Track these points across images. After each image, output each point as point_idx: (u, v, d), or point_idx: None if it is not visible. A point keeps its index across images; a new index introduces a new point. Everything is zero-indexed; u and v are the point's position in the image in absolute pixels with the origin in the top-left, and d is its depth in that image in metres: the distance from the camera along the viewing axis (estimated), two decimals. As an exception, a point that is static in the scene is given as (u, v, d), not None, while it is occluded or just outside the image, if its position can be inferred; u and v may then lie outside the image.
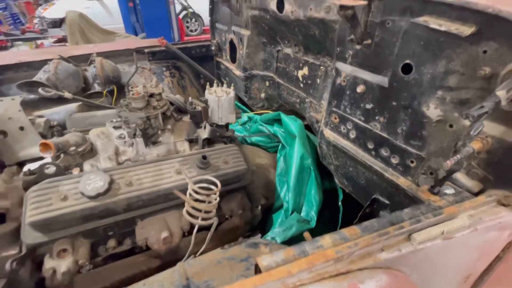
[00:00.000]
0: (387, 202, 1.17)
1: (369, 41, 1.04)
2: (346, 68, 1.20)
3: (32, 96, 1.82)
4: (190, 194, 1.00)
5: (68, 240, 1.10)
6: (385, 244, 0.63)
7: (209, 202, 1.00)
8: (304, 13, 1.38)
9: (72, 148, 1.35)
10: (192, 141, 1.58)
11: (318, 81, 1.68)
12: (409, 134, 0.99)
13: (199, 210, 0.96)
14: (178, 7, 8.77)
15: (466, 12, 0.71)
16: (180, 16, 9.04)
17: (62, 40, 7.82)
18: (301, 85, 1.86)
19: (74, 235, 1.12)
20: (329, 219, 1.49)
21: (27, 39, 7.91)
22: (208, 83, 1.71)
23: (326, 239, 0.62)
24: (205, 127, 1.53)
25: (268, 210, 1.78)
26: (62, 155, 1.38)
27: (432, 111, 0.89)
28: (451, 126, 0.85)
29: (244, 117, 2.28)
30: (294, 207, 1.36)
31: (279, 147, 1.91)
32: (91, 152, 1.45)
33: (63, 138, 1.37)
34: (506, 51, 0.67)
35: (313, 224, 1.31)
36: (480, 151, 0.76)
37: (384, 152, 1.12)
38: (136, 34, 7.47)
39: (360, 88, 1.14)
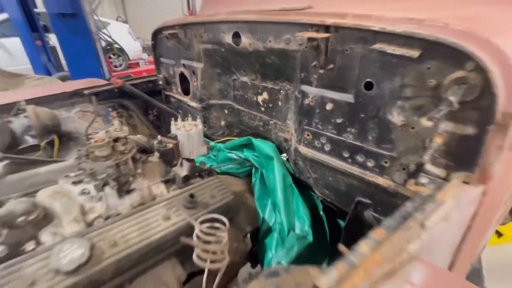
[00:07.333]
0: (369, 201, 1.31)
1: (332, 66, 1.20)
2: (312, 90, 1.34)
3: None
4: (198, 237, 0.93)
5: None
6: (409, 237, 0.71)
7: (219, 242, 0.94)
8: (264, 45, 1.50)
9: (21, 219, 1.09)
10: (167, 182, 1.47)
11: (280, 104, 1.81)
12: (380, 139, 1.16)
13: (214, 252, 0.90)
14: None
15: (412, 39, 0.91)
16: (102, 52, 8.47)
17: None
18: (263, 109, 1.96)
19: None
20: (316, 230, 1.55)
21: None
22: (173, 118, 1.64)
23: (363, 247, 0.66)
24: (181, 164, 1.45)
25: (253, 237, 1.74)
26: (4, 232, 1.09)
27: (396, 117, 1.07)
28: (413, 128, 1.04)
29: (206, 147, 2.23)
30: (289, 226, 1.38)
31: (253, 171, 1.93)
32: (45, 218, 1.20)
33: (5, 208, 1.10)
34: (444, 66, 0.89)
35: (310, 238, 1.35)
36: (442, 144, 0.95)
37: (359, 158, 1.27)
38: (50, 75, 6.65)
39: (329, 106, 1.28)
